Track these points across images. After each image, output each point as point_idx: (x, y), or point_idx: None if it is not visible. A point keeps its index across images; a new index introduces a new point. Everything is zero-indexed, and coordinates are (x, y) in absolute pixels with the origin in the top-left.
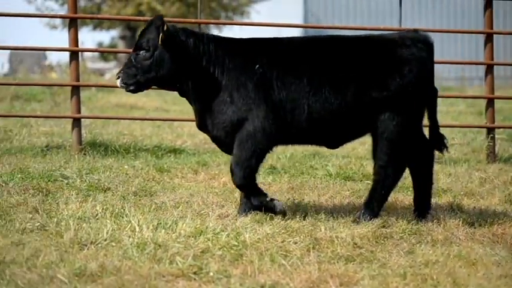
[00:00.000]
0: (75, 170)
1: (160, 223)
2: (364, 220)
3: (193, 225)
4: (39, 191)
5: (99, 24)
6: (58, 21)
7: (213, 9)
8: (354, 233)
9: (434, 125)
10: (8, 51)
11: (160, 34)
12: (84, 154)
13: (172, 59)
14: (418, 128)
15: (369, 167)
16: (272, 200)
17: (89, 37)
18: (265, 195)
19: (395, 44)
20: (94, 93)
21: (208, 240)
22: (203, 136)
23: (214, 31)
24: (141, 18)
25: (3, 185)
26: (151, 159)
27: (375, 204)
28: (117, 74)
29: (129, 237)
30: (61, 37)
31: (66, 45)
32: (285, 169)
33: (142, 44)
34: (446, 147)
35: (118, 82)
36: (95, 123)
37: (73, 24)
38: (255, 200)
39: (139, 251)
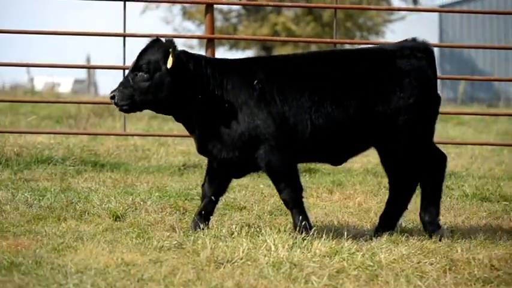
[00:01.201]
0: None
1: (296, 242)
2: (377, 235)
3: (328, 244)
4: (176, 210)
5: (235, 44)
6: (195, 41)
7: (348, 29)
8: (491, 255)
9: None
10: None
11: (170, 58)
12: None
13: (173, 83)
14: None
15: (506, 187)
16: (311, 229)
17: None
18: (309, 222)
19: (393, 56)
20: None
21: (344, 260)
22: None
23: None
24: (277, 38)
25: (142, 203)
26: None
27: (392, 218)
28: (112, 92)
29: (265, 256)
30: None
31: None
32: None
33: (142, 66)
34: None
35: (112, 100)
36: None
37: (210, 44)
38: (298, 219)
39: (275, 270)
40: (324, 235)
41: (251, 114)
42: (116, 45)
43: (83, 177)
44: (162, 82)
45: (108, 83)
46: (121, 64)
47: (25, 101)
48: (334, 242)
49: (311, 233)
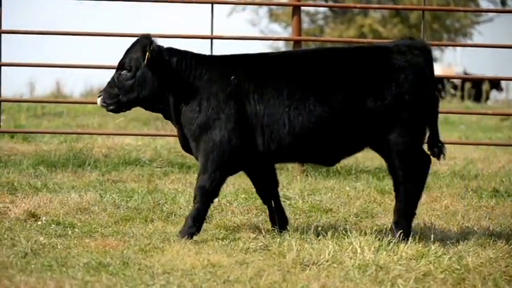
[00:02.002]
0: (297, 191)
1: (382, 245)
2: (400, 240)
3: (415, 247)
4: (262, 211)
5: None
6: (281, 43)
7: (436, 30)
8: None
9: (434, 133)
10: None
11: (147, 54)
12: (306, 175)
13: (154, 78)
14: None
15: None
16: (197, 231)
17: None
18: (200, 228)
19: (389, 52)
20: None
21: (430, 263)
22: None
23: (436, 52)
24: (363, 40)
25: (228, 205)
26: (373, 181)
27: (404, 223)
28: (99, 92)
29: (351, 258)
30: None
31: None
32: (509, 192)
33: (125, 64)
34: (444, 155)
35: (98, 101)
36: None
37: (297, 46)
38: (192, 222)
39: (361, 273)
40: (410, 238)
41: (217, 107)
42: (203, 48)
43: (170, 178)
44: (144, 79)
45: None
46: None
47: None
48: (420, 245)
49: (197, 231)
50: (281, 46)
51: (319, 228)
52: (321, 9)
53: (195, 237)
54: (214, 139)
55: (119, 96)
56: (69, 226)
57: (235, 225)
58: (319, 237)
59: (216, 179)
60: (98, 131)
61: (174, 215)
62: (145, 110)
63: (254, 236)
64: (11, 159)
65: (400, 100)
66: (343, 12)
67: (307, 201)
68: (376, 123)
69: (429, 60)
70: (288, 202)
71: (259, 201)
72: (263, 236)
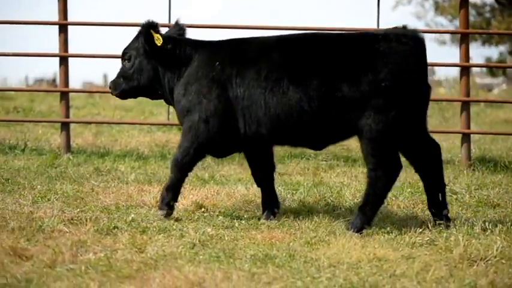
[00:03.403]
0: (464, 185)
1: None
2: (355, 225)
3: None
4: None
5: (488, 39)
6: (447, 36)
7: None
8: None
9: (422, 122)
10: None
11: (154, 35)
12: (473, 170)
13: (150, 66)
14: (417, 126)
15: None
16: (174, 203)
17: (477, 52)
18: (176, 196)
19: (373, 39)
20: (482, 108)
21: None
22: None
23: None
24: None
25: (394, 199)
26: None
27: (367, 209)
28: (110, 83)
29: None
30: (449, 53)
31: (454, 61)
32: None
33: (126, 54)
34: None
35: (109, 88)
36: (483, 138)
37: (465, 39)
38: (166, 191)
39: None
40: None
41: (199, 91)
42: None
43: (335, 172)
44: (141, 67)
45: None
46: None
47: None
48: None
49: (173, 200)
50: (447, 39)
51: (487, 224)
52: (488, 1)
53: (173, 213)
54: (193, 120)
55: (122, 85)
56: (236, 218)
57: (401, 219)
58: (487, 233)
59: (189, 154)
60: None
61: (340, 208)
62: (150, 99)
63: (420, 230)
64: None
65: (375, 87)
66: (511, 5)
67: (474, 196)
68: (350, 109)
69: (419, 49)
70: (455, 197)
71: (425, 196)
72: (429, 231)
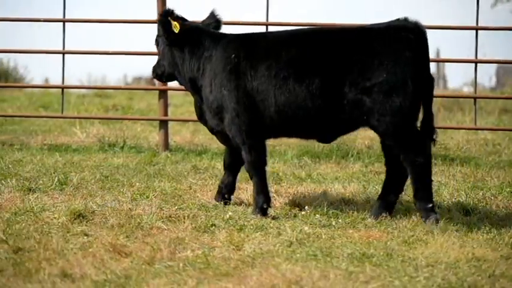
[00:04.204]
0: None
1: None
2: (424, 212)
3: None
4: None
5: None
6: None
7: None
8: None
9: (428, 117)
10: (495, 64)
11: (173, 23)
12: None
13: (171, 53)
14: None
15: None
16: (268, 206)
17: None
18: (268, 197)
19: (376, 33)
20: None
21: None
22: None
23: None
24: None
25: (492, 198)
26: None
27: (425, 194)
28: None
29: None
30: None
31: None
32: None
33: (156, 40)
34: (435, 142)
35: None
36: None
37: None
38: (258, 196)
39: None
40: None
41: (220, 85)
42: (466, 39)
43: (433, 170)
44: (164, 55)
45: (459, 77)
46: (472, 57)
47: None
48: None
49: (265, 203)
50: None
51: None
52: None
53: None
54: (228, 117)
55: (157, 70)
56: (333, 216)
57: (500, 218)
58: None
59: (252, 147)
60: None
61: (438, 207)
62: (180, 84)
63: None
64: (276, 149)
65: (380, 79)
66: None
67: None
68: (352, 102)
69: (421, 41)
70: None
71: None
72: None
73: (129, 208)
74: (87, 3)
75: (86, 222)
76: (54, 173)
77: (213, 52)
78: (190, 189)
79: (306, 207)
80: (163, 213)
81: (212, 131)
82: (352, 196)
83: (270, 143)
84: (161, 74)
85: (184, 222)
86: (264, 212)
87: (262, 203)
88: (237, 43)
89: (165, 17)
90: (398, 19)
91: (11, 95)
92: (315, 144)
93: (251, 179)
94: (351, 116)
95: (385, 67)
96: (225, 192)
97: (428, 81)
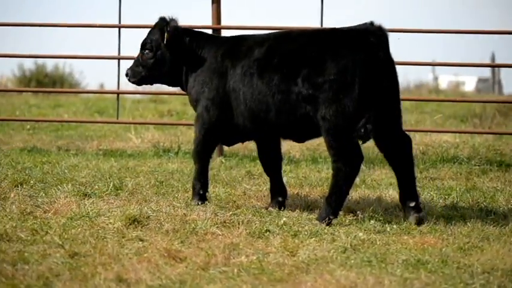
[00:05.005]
0: None
1: None
2: (321, 216)
3: None
4: None
5: None
6: None
7: None
8: None
9: (393, 120)
10: None
11: (165, 34)
12: None
13: (172, 57)
14: (389, 122)
15: None
16: (205, 192)
17: None
18: (205, 184)
19: (337, 34)
20: None
21: None
22: None
23: None
24: None
25: None
26: None
27: (331, 200)
28: (127, 70)
29: None
30: None
31: None
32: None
33: (147, 44)
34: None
35: (127, 77)
36: None
37: None
38: (195, 181)
39: None
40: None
41: (203, 82)
42: None
43: (488, 176)
44: (163, 57)
45: None
46: None
47: (430, 99)
48: None
49: (202, 189)
50: None
51: None
52: None
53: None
54: (199, 109)
55: (142, 73)
56: (387, 222)
57: None
58: None
59: (201, 142)
60: (415, 128)
61: (493, 213)
62: (164, 84)
63: None
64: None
65: (330, 82)
66: None
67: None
68: (309, 103)
69: (382, 45)
70: None
71: None
72: None
73: (184, 213)
74: (143, 9)
75: (141, 227)
76: (109, 178)
77: (205, 52)
78: (245, 194)
79: (359, 212)
80: (217, 218)
81: None
82: None
83: (324, 148)
84: (148, 77)
85: (238, 227)
86: (200, 197)
87: (199, 189)
88: (225, 43)
89: (162, 25)
90: (365, 23)
91: (66, 100)
92: (369, 150)
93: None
94: (306, 112)
95: (337, 66)
96: (277, 196)
97: (392, 84)
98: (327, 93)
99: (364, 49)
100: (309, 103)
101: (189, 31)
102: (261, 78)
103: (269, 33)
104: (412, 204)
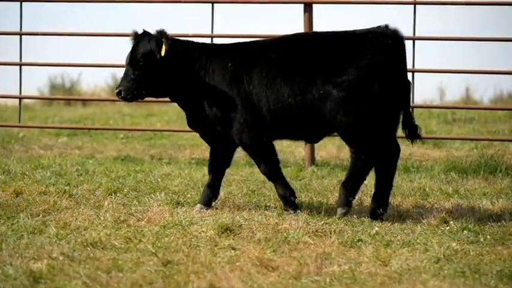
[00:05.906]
0: None
1: None
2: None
3: None
4: None
5: None
6: None
7: None
8: None
9: (407, 116)
10: None
11: (163, 47)
12: None
13: (167, 70)
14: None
15: None
16: (295, 198)
17: None
18: (292, 190)
19: (353, 39)
20: None
21: None
22: None
23: None
24: None
25: None
26: None
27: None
28: (117, 87)
29: None
30: None
31: None
32: None
33: (138, 58)
34: (420, 137)
35: (119, 96)
36: None
37: None
38: (281, 189)
39: None
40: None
41: (223, 93)
42: None
43: None
44: (159, 71)
45: None
46: None
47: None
48: None
49: (293, 200)
50: None
51: None
52: None
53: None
54: (237, 126)
55: (136, 88)
56: (481, 233)
57: None
58: None
59: (262, 148)
60: (509, 138)
61: None
62: (156, 97)
63: None
64: (422, 164)
65: (351, 83)
66: None
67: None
68: (329, 104)
69: (398, 48)
70: None
71: None
72: None
73: (276, 222)
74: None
75: (233, 236)
76: (202, 187)
77: (208, 63)
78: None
79: (452, 222)
80: (309, 227)
81: (205, 135)
82: (501, 212)
83: (416, 158)
84: (139, 93)
85: (330, 237)
86: (295, 205)
87: (289, 195)
88: (231, 52)
89: (159, 37)
90: (379, 26)
91: (159, 109)
92: (462, 160)
93: (269, 180)
94: (323, 110)
95: (357, 66)
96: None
97: (405, 86)
98: (347, 92)
99: (383, 51)
100: (330, 103)
101: (183, 42)
102: (283, 80)
103: (277, 38)
104: (350, 198)
